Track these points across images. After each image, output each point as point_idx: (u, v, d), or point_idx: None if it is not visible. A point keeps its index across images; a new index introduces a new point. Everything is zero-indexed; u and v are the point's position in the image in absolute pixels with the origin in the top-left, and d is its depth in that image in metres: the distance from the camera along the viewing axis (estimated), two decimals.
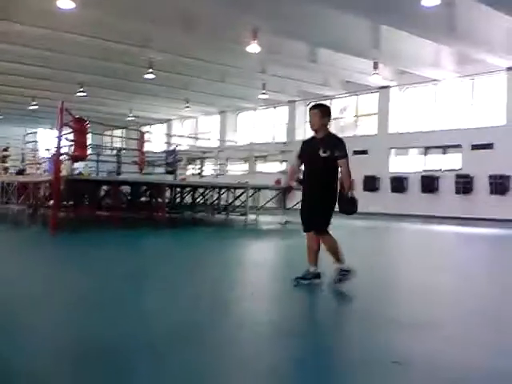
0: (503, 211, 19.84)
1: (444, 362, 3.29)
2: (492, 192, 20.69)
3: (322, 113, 5.65)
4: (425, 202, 22.49)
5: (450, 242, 13.61)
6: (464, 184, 21.45)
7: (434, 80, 23.09)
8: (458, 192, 21.54)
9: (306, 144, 5.87)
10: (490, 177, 20.75)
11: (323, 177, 5.57)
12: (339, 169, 5.57)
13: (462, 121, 22.59)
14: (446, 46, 19.95)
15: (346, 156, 5.54)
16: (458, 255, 10.39)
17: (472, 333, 4.15)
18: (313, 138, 5.79)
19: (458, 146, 22.20)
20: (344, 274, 5.53)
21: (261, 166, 24.97)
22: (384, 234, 15.53)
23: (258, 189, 16.84)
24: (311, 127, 5.70)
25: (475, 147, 21.43)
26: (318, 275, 5.69)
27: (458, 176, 21.75)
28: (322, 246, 5.67)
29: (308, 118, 5.73)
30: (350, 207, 5.67)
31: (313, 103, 6.05)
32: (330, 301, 5.51)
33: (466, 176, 21.51)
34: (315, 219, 5.62)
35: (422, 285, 6.24)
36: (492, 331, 4.20)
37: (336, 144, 5.57)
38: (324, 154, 5.50)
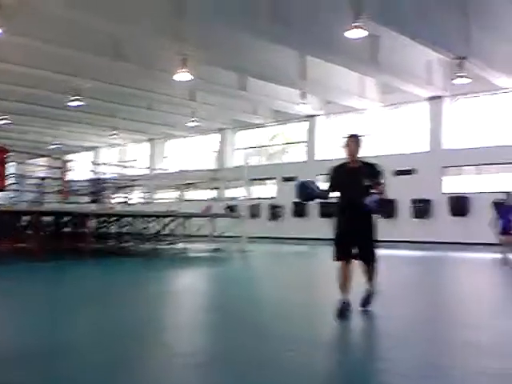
0: (425, 234, 20.54)
1: None
2: (415, 215, 21.43)
3: (360, 142, 5.85)
4: None
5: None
6: (388, 208, 22.04)
7: (360, 109, 23.80)
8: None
9: (340, 172, 5.91)
10: (413, 201, 21.48)
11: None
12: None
13: (387, 148, 23.37)
14: (370, 77, 20.67)
15: (382, 182, 5.83)
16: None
17: None
18: (344, 164, 5.89)
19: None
20: (372, 298, 5.80)
21: (191, 194, 24.76)
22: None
23: (187, 216, 16.59)
24: (350, 155, 5.80)
25: (398, 173, 22.15)
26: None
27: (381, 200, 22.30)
28: (360, 270, 5.77)
29: (344, 146, 5.82)
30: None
31: (350, 133, 6.05)
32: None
33: (389, 201, 22.12)
34: (372, 249, 5.75)
35: None
36: None
37: (378, 172, 5.84)
38: (368, 183, 5.68)
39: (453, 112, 21.92)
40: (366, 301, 5.79)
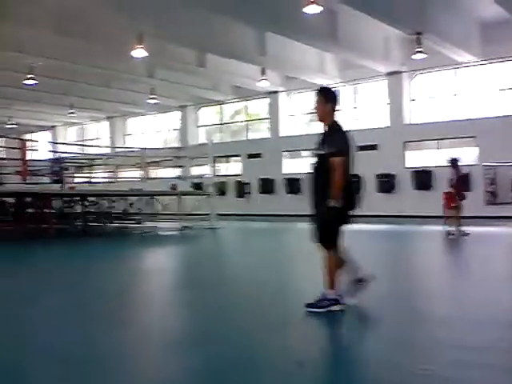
0: (390, 208, 20.96)
1: None
2: (379, 190, 21.82)
3: (325, 98, 4.74)
4: None
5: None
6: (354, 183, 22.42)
7: (320, 85, 23.83)
8: None
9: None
10: (377, 176, 21.88)
11: (324, 179, 4.65)
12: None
13: (348, 124, 23.59)
14: (329, 53, 20.76)
15: (337, 154, 4.58)
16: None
17: None
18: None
19: None
20: (328, 305, 4.59)
21: (155, 172, 24.51)
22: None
23: (153, 195, 16.50)
24: (316, 118, 4.85)
25: (361, 148, 22.44)
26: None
27: None
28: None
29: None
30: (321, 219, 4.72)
31: (317, 88, 4.93)
32: None
33: (355, 176, 22.46)
34: (320, 231, 4.73)
35: None
36: None
37: (330, 136, 4.69)
38: (321, 152, 4.64)
39: (412, 87, 22.28)
40: (315, 304, 4.64)
